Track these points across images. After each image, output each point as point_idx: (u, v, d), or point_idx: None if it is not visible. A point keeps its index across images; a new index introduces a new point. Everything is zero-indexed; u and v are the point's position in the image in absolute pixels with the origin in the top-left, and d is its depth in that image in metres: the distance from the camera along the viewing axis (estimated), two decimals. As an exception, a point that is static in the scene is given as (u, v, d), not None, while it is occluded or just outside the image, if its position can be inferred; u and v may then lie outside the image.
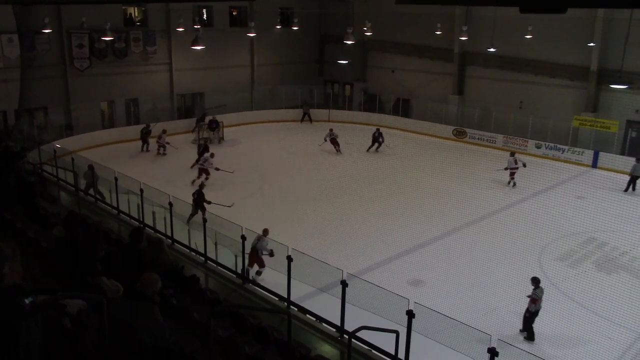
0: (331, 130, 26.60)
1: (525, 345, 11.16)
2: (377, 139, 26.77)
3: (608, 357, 10.96)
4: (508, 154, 22.62)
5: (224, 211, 14.97)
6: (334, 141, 26.31)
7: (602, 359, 10.76)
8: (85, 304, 5.30)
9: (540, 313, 12.08)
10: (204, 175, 20.60)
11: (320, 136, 26.85)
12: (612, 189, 20.42)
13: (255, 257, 12.60)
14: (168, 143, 25.07)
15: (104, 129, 27.56)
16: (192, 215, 15.84)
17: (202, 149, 22.31)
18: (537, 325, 11.66)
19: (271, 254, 12.55)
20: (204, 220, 12.06)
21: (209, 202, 16.06)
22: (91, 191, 16.21)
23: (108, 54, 27.63)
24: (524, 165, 21.49)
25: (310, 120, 32.66)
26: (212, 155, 21.08)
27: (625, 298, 12.64)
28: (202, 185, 17.04)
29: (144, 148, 25.92)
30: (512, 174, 21.82)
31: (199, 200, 16.15)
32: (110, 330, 4.42)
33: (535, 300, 11.29)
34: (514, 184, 21.81)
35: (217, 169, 20.72)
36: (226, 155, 24.60)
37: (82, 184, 16.55)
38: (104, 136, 26.79)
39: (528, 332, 11.50)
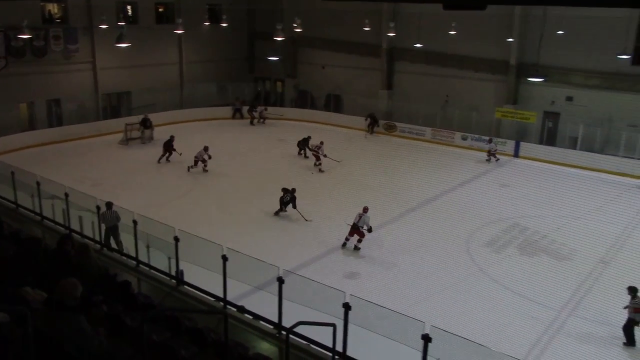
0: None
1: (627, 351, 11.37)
2: (374, 119, 30.09)
3: (533, 335, 11.62)
4: (487, 140, 26.08)
5: (156, 214, 14.61)
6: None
7: (527, 337, 11.39)
8: (7, 317, 5.04)
9: (469, 298, 12.59)
10: (318, 161, 23.30)
11: (253, 134, 26.66)
12: (533, 177, 21.58)
13: (357, 230, 15.21)
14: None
15: (23, 132, 26.10)
16: (281, 210, 17.77)
17: (305, 140, 25.02)
18: (467, 313, 12.18)
19: (370, 229, 15.10)
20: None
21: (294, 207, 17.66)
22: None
23: (26, 53, 26.15)
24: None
25: (242, 117, 32.41)
26: (321, 143, 23.58)
27: (546, 278, 13.44)
28: (294, 190, 17.85)
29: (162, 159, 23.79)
30: (493, 154, 25.33)
31: (291, 202, 17.58)
32: (35, 343, 4.24)
33: (638, 309, 11.14)
34: (497, 160, 25.27)
35: (325, 156, 23.20)
36: (158, 155, 23.94)
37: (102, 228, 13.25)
38: (25, 139, 25.39)
39: (629, 339, 11.39)
